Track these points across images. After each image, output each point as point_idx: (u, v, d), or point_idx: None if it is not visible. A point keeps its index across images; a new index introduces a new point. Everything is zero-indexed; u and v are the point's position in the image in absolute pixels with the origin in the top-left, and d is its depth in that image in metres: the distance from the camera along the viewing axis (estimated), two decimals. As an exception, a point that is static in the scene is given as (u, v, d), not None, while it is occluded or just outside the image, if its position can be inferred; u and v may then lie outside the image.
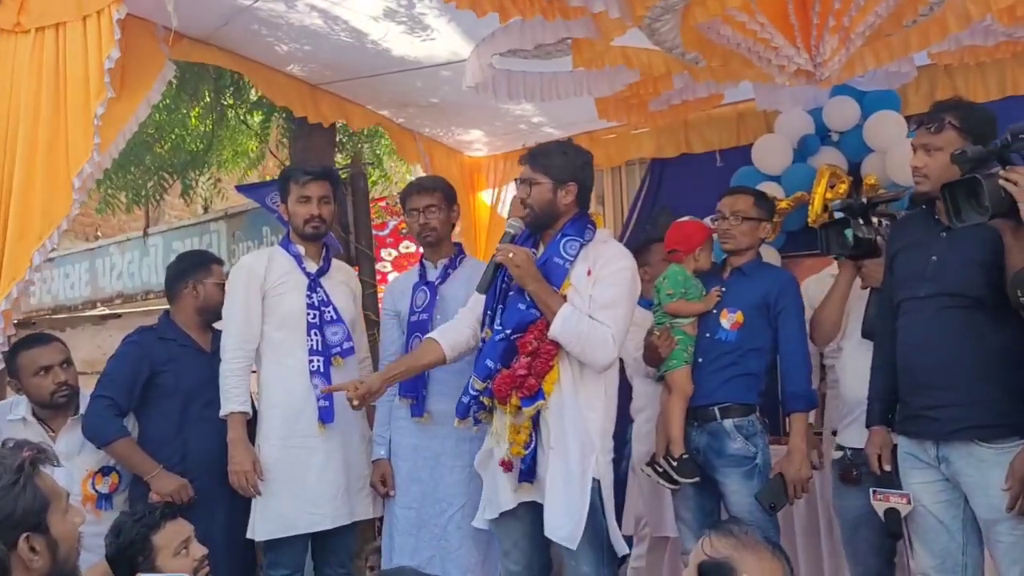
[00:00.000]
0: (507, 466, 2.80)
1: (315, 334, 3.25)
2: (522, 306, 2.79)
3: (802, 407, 3.16)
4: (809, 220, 4.31)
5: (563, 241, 2.85)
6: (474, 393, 2.81)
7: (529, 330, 2.77)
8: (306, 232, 3.33)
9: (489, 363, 2.80)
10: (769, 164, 4.47)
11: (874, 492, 2.78)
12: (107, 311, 7.51)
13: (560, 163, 2.89)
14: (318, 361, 3.24)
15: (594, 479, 2.74)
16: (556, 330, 2.73)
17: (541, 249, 2.91)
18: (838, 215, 3.19)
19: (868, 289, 3.22)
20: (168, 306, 3.57)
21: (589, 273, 2.82)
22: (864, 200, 3.19)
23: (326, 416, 3.20)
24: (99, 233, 8.46)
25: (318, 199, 3.32)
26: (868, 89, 4.14)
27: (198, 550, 2.59)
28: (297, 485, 3.18)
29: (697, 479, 3.15)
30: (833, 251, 3.17)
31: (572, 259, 2.82)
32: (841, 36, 2.92)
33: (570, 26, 3.13)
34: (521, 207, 2.89)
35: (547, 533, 2.76)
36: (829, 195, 4.31)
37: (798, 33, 2.92)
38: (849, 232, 3.07)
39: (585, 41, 3.27)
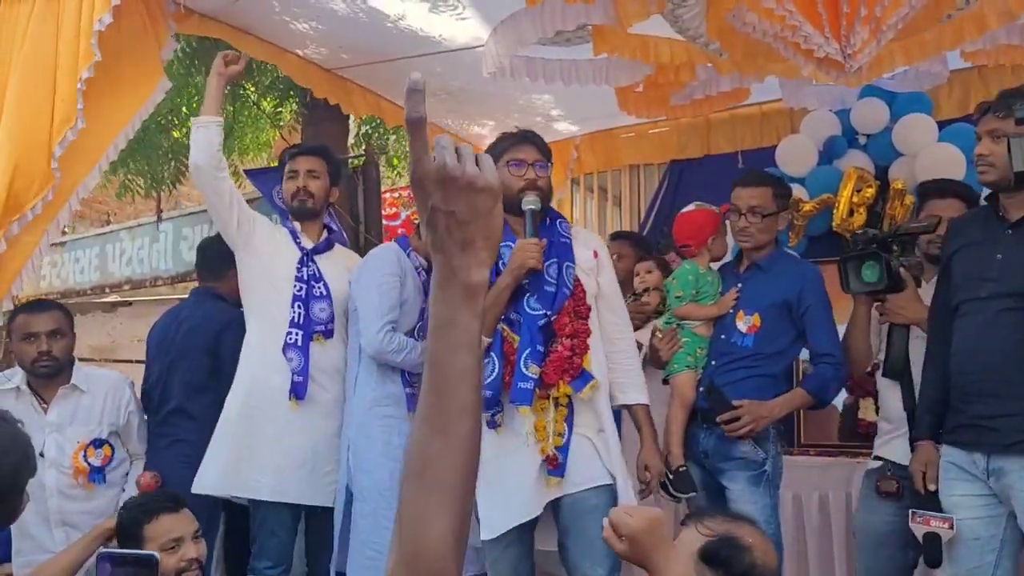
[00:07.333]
0: (553, 461, 2.64)
1: (299, 307, 3.15)
2: (550, 288, 2.69)
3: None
4: (834, 224, 4.19)
5: (557, 222, 2.84)
6: (534, 377, 2.62)
7: (563, 311, 2.70)
8: (292, 206, 3.27)
9: (540, 347, 2.64)
10: (793, 166, 4.34)
11: (913, 513, 2.59)
12: (118, 298, 7.44)
13: (549, 150, 2.90)
14: (296, 334, 3.13)
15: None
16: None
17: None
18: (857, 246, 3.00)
19: (887, 325, 3.00)
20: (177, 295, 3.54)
21: (596, 255, 2.81)
22: (892, 231, 3.01)
23: (298, 391, 3.09)
24: (110, 219, 8.43)
25: (305, 172, 3.27)
26: (899, 91, 4.01)
27: (191, 550, 2.38)
28: (245, 447, 3.07)
29: (694, 494, 2.96)
30: (853, 287, 2.95)
31: (569, 237, 2.81)
32: (872, 27, 2.78)
33: (589, 11, 3.03)
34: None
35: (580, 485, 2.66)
36: (856, 199, 4.18)
37: (827, 23, 2.80)
38: (870, 269, 2.88)
39: (608, 27, 3.17)
